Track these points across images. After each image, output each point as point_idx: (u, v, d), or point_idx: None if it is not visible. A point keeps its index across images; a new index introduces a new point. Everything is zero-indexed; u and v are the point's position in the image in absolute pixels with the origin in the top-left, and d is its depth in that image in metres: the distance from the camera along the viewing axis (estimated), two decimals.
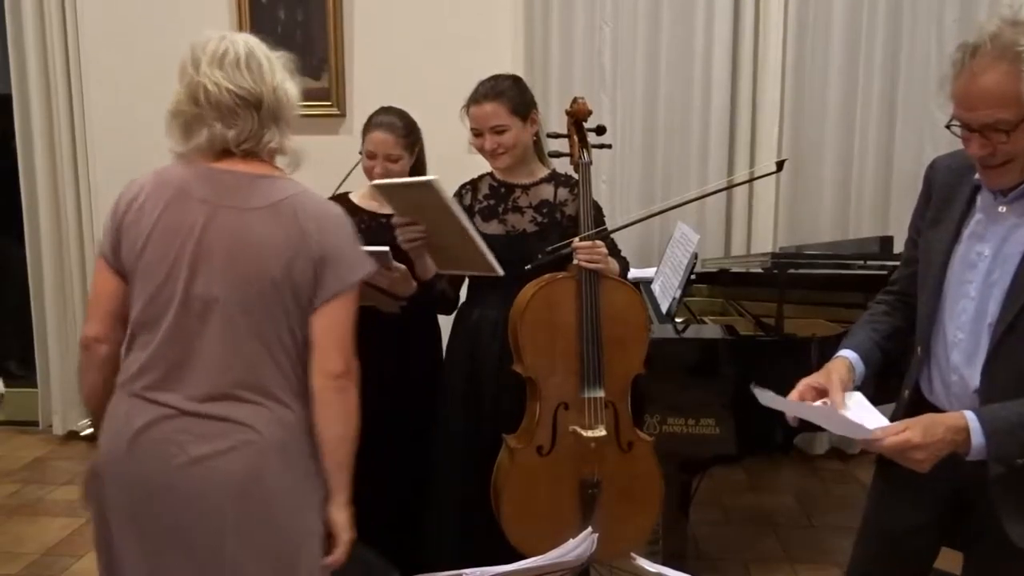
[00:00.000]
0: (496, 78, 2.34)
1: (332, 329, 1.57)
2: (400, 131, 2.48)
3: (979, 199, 1.61)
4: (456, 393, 2.39)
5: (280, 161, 1.66)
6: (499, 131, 2.28)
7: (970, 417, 1.48)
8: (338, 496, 1.61)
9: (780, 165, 2.38)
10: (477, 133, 2.32)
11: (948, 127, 1.53)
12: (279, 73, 1.61)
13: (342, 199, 2.60)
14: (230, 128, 1.55)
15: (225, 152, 1.58)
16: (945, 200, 1.67)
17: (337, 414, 1.58)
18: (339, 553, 1.62)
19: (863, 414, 1.60)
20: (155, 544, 1.55)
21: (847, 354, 1.73)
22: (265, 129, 1.59)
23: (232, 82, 1.55)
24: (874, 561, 1.83)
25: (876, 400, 1.67)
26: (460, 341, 2.42)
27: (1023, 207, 1.54)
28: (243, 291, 1.53)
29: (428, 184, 2.05)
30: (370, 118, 2.54)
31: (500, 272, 2.15)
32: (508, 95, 2.29)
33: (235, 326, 1.54)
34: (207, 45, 1.59)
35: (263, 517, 1.55)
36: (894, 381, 1.82)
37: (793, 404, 1.65)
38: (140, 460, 1.54)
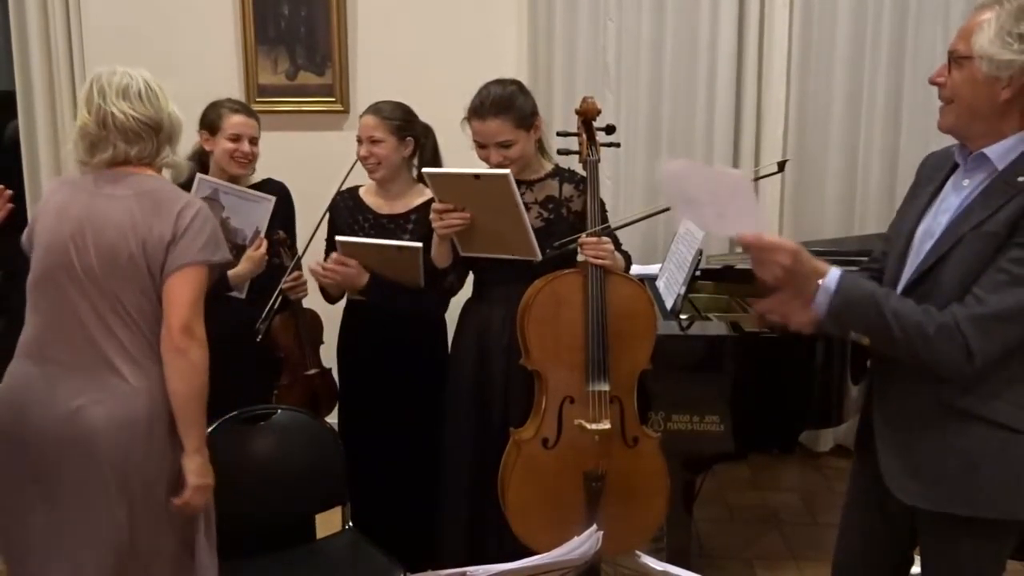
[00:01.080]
0: (500, 85, 2.29)
1: (174, 298, 1.83)
2: (383, 113, 2.50)
3: (952, 177, 1.67)
4: (465, 387, 2.39)
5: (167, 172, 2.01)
6: (506, 145, 2.26)
7: (833, 272, 1.54)
8: (187, 446, 1.86)
9: (781, 166, 2.38)
10: (481, 146, 2.30)
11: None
12: (169, 101, 1.94)
13: (351, 192, 2.61)
14: (133, 147, 1.89)
15: (127, 162, 1.90)
16: (926, 182, 1.74)
17: (176, 372, 1.83)
18: (185, 495, 1.86)
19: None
20: (46, 486, 1.85)
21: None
22: (163, 148, 1.93)
23: (136, 111, 1.87)
24: (856, 536, 1.86)
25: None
26: (468, 336, 2.42)
27: (979, 177, 1.59)
28: (108, 262, 1.83)
29: (504, 177, 2.09)
30: None
31: (539, 256, 2.19)
32: (513, 109, 2.25)
33: (104, 293, 1.84)
34: (111, 79, 1.89)
35: (127, 455, 1.82)
36: None
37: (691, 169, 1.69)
38: (27, 413, 1.84)
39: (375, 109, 2.51)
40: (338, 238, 2.43)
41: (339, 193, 2.61)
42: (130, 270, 1.84)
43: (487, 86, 2.30)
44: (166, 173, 2.01)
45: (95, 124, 1.88)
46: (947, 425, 1.59)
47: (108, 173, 1.90)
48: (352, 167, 2.56)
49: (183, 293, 1.83)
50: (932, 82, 1.60)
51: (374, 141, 2.47)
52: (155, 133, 1.91)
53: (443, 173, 2.24)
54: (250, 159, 2.62)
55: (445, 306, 2.51)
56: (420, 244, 2.33)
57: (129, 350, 1.84)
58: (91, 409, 1.82)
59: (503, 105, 2.24)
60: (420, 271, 2.38)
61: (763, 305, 1.61)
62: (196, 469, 1.88)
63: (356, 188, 2.61)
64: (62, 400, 1.83)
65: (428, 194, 2.42)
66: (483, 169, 2.20)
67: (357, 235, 2.53)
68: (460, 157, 2.60)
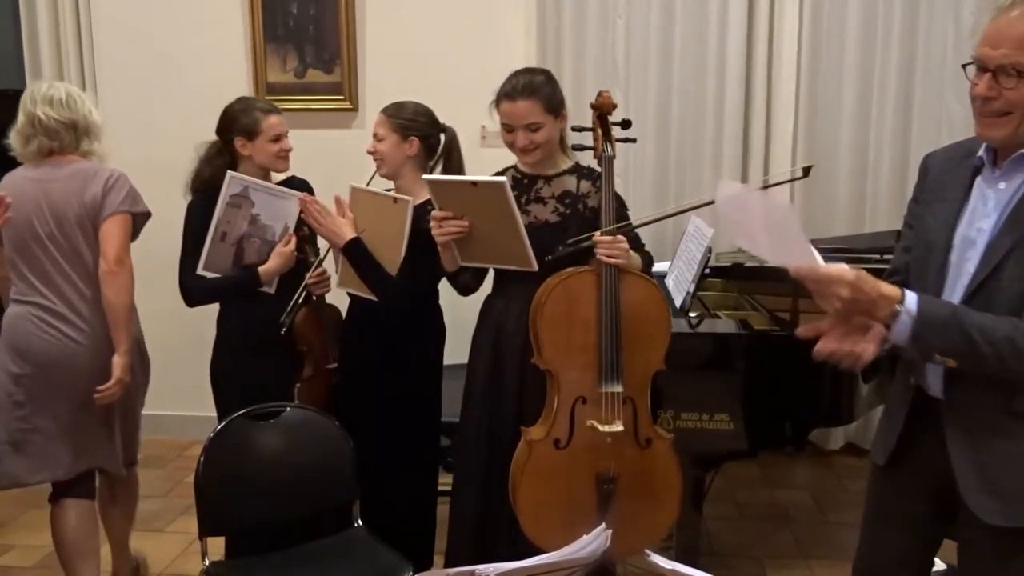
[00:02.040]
0: (530, 73, 2.32)
1: (108, 237, 2.49)
2: (391, 111, 2.54)
3: (978, 181, 1.63)
4: (478, 384, 2.40)
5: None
6: (533, 128, 2.27)
7: (909, 295, 1.49)
8: (118, 348, 2.51)
9: (807, 171, 2.37)
10: (509, 129, 2.30)
11: (964, 67, 1.57)
12: (88, 105, 2.57)
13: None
14: (54, 141, 2.51)
15: (52, 152, 2.52)
16: (941, 185, 1.70)
17: (111, 288, 2.48)
18: (108, 384, 2.49)
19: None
20: (49, 396, 2.53)
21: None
22: (81, 140, 2.54)
23: (57, 113, 2.50)
24: (875, 547, 1.84)
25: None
26: (485, 332, 2.43)
27: (1018, 179, 1.56)
28: (60, 225, 2.49)
29: (500, 185, 2.09)
30: None
31: (535, 267, 2.18)
32: (543, 92, 2.27)
33: (62, 250, 2.50)
34: (41, 90, 2.53)
35: (91, 372, 2.50)
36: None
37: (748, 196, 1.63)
38: (35, 344, 2.50)
39: (389, 105, 2.56)
40: (351, 184, 2.49)
41: None
42: (79, 228, 2.49)
43: (517, 73, 2.32)
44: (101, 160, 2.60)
45: (27, 124, 2.50)
46: (1021, 434, 1.56)
47: (45, 163, 2.52)
48: (373, 176, 2.59)
49: (115, 233, 2.49)
50: (983, 96, 1.52)
51: (378, 138, 2.52)
52: (72, 130, 2.52)
53: (441, 180, 2.26)
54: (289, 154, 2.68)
55: (404, 302, 2.50)
56: (410, 198, 2.38)
57: (84, 295, 2.50)
58: (68, 340, 2.49)
59: (534, 88, 2.26)
60: (402, 245, 2.39)
61: (823, 349, 1.54)
62: (122, 365, 2.51)
63: (389, 190, 2.63)
64: (49, 336, 2.49)
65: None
66: (481, 177, 2.20)
67: None
68: (468, 153, 2.63)
